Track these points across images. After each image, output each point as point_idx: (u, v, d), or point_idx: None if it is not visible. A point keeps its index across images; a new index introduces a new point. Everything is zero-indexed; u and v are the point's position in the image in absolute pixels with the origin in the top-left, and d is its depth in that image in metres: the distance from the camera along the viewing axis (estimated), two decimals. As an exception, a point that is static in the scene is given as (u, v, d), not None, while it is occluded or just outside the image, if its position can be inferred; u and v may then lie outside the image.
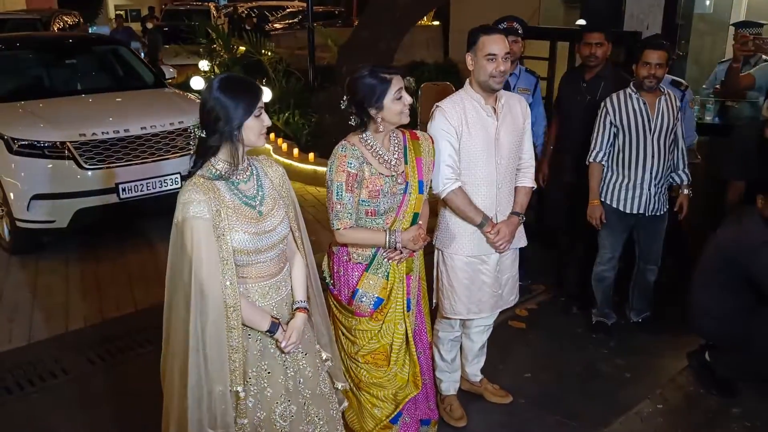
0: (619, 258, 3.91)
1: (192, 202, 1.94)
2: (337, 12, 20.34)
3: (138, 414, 3.13)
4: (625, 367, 3.66)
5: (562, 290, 4.47)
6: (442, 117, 2.83)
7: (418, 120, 5.43)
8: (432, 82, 6.87)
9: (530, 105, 3.41)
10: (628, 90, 3.65)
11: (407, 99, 2.47)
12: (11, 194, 4.94)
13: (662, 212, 3.76)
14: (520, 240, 3.09)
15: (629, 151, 3.66)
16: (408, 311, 2.67)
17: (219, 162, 2.02)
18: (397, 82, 2.44)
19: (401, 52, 8.17)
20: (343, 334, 2.66)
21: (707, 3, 6.83)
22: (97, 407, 3.30)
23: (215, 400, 1.99)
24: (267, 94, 2.15)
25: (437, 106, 2.88)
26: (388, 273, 2.61)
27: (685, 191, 3.78)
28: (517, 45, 3.90)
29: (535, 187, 3.11)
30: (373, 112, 2.46)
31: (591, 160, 3.77)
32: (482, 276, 2.98)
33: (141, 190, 5.12)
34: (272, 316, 2.13)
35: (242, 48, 10.42)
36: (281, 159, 7.24)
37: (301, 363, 2.24)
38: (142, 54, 12.58)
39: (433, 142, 2.72)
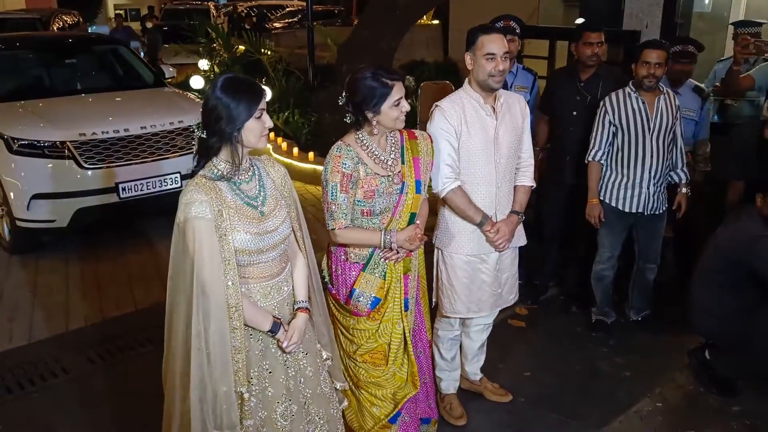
0: (618, 257, 3.91)
1: (194, 203, 1.94)
2: (336, 11, 20.32)
3: (138, 413, 3.13)
4: (625, 366, 3.66)
5: (562, 289, 4.48)
6: (442, 116, 2.83)
7: (417, 119, 5.43)
8: (432, 81, 6.87)
9: (528, 103, 3.40)
10: (627, 89, 3.66)
11: (405, 107, 2.47)
12: (11, 194, 4.94)
13: (661, 211, 3.77)
14: (520, 239, 3.09)
15: (628, 150, 3.66)
16: (406, 311, 2.67)
17: (221, 162, 2.02)
18: (398, 90, 2.44)
19: (401, 51, 8.17)
20: (342, 333, 2.67)
21: (706, 2, 6.84)
22: (98, 406, 3.31)
23: (220, 400, 1.99)
24: (268, 95, 2.15)
25: (436, 105, 2.89)
26: (385, 273, 2.61)
27: (684, 190, 3.79)
28: (514, 44, 3.89)
29: (535, 185, 3.11)
30: (369, 114, 2.46)
31: (590, 159, 3.77)
32: (482, 275, 2.98)
33: (141, 190, 5.13)
34: (274, 316, 2.14)
35: (242, 47, 10.42)
36: (281, 158, 7.24)
37: (301, 363, 2.25)
38: (142, 53, 12.58)
39: (431, 142, 2.72)
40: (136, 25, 19.83)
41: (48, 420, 3.22)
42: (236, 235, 2.00)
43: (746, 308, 3.22)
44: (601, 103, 3.72)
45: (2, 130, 5.01)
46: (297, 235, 2.27)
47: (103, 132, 5.04)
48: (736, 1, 7.55)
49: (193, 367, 1.96)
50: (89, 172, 4.95)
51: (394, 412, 2.68)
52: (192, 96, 6.54)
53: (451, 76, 9.04)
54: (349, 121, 2.52)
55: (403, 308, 2.65)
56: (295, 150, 7.50)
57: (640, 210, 3.71)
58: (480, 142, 2.85)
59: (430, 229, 2.89)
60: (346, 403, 2.55)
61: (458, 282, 2.98)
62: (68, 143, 4.91)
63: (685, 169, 3.79)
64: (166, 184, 5.24)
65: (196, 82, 9.16)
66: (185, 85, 9.03)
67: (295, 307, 2.24)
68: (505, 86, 2.99)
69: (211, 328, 1.96)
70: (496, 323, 3.31)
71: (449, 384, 3.25)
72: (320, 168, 6.67)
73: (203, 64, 10.95)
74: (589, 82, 3.99)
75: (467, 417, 3.19)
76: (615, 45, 5.76)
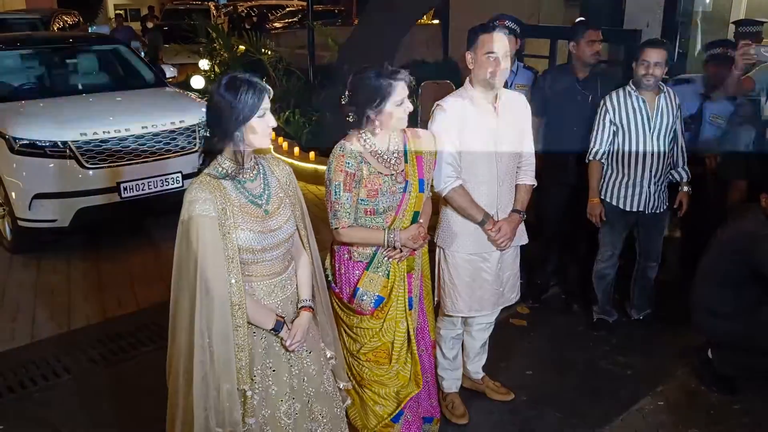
0: (619, 255, 3.92)
1: (198, 201, 1.95)
2: (337, 11, 20.32)
3: (140, 413, 3.14)
4: (627, 365, 3.66)
5: (563, 288, 4.48)
6: (443, 115, 2.84)
7: (418, 119, 5.43)
8: (432, 80, 6.87)
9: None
10: (628, 88, 3.66)
11: (408, 107, 2.47)
12: (13, 194, 4.94)
13: (662, 210, 3.77)
14: (521, 237, 3.09)
15: (629, 149, 3.66)
16: (410, 309, 2.68)
17: (225, 161, 2.03)
18: (401, 90, 2.43)
19: (401, 50, 8.18)
20: (345, 331, 2.67)
21: (707, 1, 6.83)
22: (100, 406, 3.31)
23: (222, 398, 1.99)
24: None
25: (437, 104, 2.89)
26: (389, 271, 2.61)
27: (685, 188, 3.79)
28: (511, 43, 3.88)
29: (536, 184, 3.12)
30: (372, 114, 2.46)
31: (591, 158, 3.77)
32: (483, 274, 2.98)
33: (142, 189, 5.13)
34: (277, 315, 2.14)
35: (242, 47, 10.42)
36: (282, 158, 7.20)
37: (305, 361, 2.25)
38: (143, 53, 12.58)
39: (434, 140, 2.72)
40: (136, 25, 19.83)
41: (50, 419, 3.22)
42: (240, 233, 2.01)
43: (749, 307, 3.23)
44: (602, 102, 3.72)
45: (4, 129, 5.01)
46: (301, 234, 2.27)
47: (104, 132, 5.03)
48: (736, 0, 7.54)
49: (196, 364, 1.96)
50: (91, 172, 4.95)
51: (397, 411, 2.69)
52: (193, 96, 6.55)
53: (452, 75, 9.03)
54: (351, 120, 2.52)
55: (407, 307, 2.65)
56: (296, 150, 7.50)
57: (641, 209, 3.71)
58: (481, 141, 2.85)
59: (432, 228, 2.89)
60: (349, 401, 2.55)
61: (460, 281, 2.98)
62: (70, 143, 4.91)
63: (686, 167, 3.79)
64: (167, 183, 5.24)
65: (197, 81, 9.17)
66: (186, 85, 9.05)
67: (299, 305, 2.24)
68: (505, 85, 3.00)
69: (215, 326, 1.96)
70: (497, 322, 3.32)
71: (451, 383, 3.25)
72: (321, 168, 6.74)
73: (204, 64, 10.96)
74: (587, 81, 3.98)
75: (469, 416, 3.19)
76: (616, 44, 5.77)
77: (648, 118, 3.61)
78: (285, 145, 7.76)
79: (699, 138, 4.21)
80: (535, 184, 3.10)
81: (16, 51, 6.38)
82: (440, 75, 9.23)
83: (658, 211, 3.75)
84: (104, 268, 4.98)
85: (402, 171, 2.57)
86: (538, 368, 3.65)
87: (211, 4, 19.50)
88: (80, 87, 6.25)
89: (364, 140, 2.52)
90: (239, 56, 10.45)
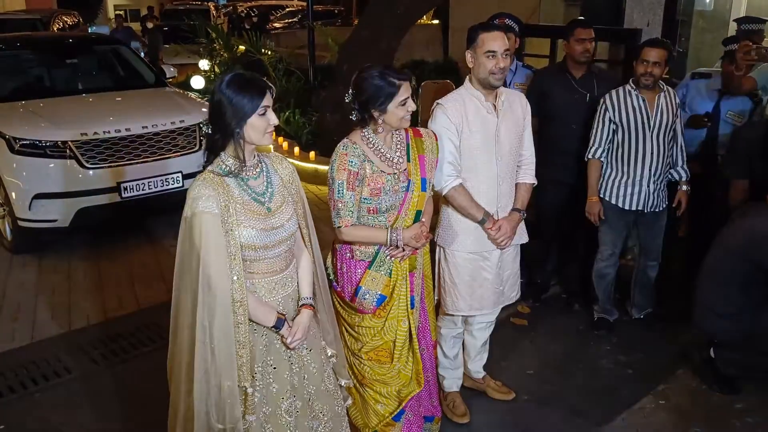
0: (619, 254, 3.91)
1: (201, 197, 1.96)
2: (337, 11, 20.35)
3: (141, 412, 3.14)
4: (628, 364, 3.67)
5: (564, 287, 4.48)
6: (443, 114, 2.84)
7: (418, 119, 5.43)
8: (432, 80, 6.87)
9: None
10: (628, 87, 3.66)
11: (411, 106, 2.47)
12: (13, 194, 4.94)
13: (661, 208, 3.77)
14: (522, 236, 3.10)
15: (628, 147, 3.67)
16: (411, 308, 2.68)
17: (228, 158, 2.04)
18: (405, 90, 2.44)
19: (401, 50, 8.18)
20: (347, 330, 2.67)
21: (707, 0, 6.83)
22: (100, 406, 3.31)
23: (224, 395, 2.00)
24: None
25: (437, 103, 2.89)
26: (391, 270, 2.61)
27: (684, 187, 3.79)
28: (510, 41, 3.88)
29: (536, 183, 3.11)
30: (375, 113, 2.46)
31: (590, 156, 3.77)
32: (484, 272, 2.98)
33: (143, 189, 5.13)
34: (278, 312, 2.14)
35: (242, 47, 10.43)
36: (282, 158, 7.23)
37: (305, 359, 2.25)
38: (142, 54, 12.58)
39: (437, 140, 2.73)
40: (136, 26, 19.83)
41: (51, 419, 3.22)
42: (242, 231, 2.01)
43: (752, 306, 3.22)
44: (602, 101, 3.72)
45: (4, 130, 5.01)
46: (303, 232, 2.28)
47: (104, 132, 5.04)
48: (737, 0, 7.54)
49: (198, 360, 1.97)
50: (91, 172, 4.95)
51: (398, 410, 2.68)
52: (193, 96, 6.55)
53: (452, 75, 9.04)
54: (354, 119, 2.52)
55: (408, 306, 2.65)
56: (296, 150, 7.51)
57: (640, 208, 3.71)
58: (481, 140, 2.86)
59: (433, 227, 2.89)
60: (350, 400, 2.55)
61: (460, 279, 2.98)
62: (70, 143, 4.91)
63: (685, 166, 3.79)
64: (167, 183, 5.24)
65: (197, 82, 9.18)
66: (186, 85, 9.06)
67: (300, 303, 2.25)
68: (504, 84, 3.00)
69: (216, 323, 1.97)
70: (498, 321, 3.32)
71: (452, 382, 3.25)
72: (321, 168, 6.75)
73: (203, 64, 10.98)
74: (584, 80, 3.97)
75: (470, 415, 3.19)
76: (616, 43, 5.77)
77: (648, 117, 3.61)
78: (285, 145, 7.77)
79: (712, 135, 4.18)
80: (536, 182, 3.10)
81: (16, 51, 6.38)
82: (440, 75, 9.26)
83: (657, 210, 3.75)
84: (105, 268, 4.98)
85: (405, 170, 2.58)
86: (539, 367, 3.65)
87: (211, 5, 19.55)
88: (80, 87, 6.25)
89: (368, 139, 2.53)
90: (239, 57, 10.46)
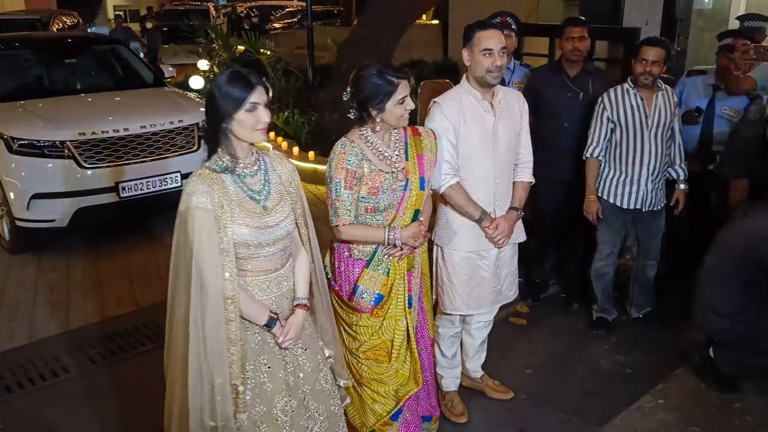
0: (618, 254, 3.91)
1: (195, 193, 1.97)
2: (336, 11, 20.36)
3: (140, 412, 3.13)
4: (626, 363, 3.66)
5: (563, 287, 4.48)
6: (440, 113, 2.83)
7: (417, 118, 5.43)
8: (431, 80, 6.86)
9: None
10: (626, 85, 3.66)
11: (409, 105, 2.47)
12: (11, 194, 4.94)
13: (659, 207, 3.77)
14: (519, 235, 3.09)
15: (626, 146, 3.66)
16: (409, 308, 2.67)
17: (225, 155, 2.04)
18: (403, 88, 2.43)
19: (400, 50, 8.18)
20: (345, 329, 2.66)
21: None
22: (98, 405, 3.30)
23: (215, 391, 2.00)
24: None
25: (434, 101, 2.89)
26: (389, 269, 2.61)
27: (682, 186, 3.78)
28: (511, 39, 3.86)
29: (534, 182, 3.11)
30: (373, 112, 2.46)
31: (588, 155, 3.77)
32: (481, 271, 2.98)
33: (141, 189, 5.13)
34: (271, 311, 2.13)
35: (241, 47, 10.43)
36: (281, 158, 7.23)
37: (300, 359, 2.24)
38: (142, 54, 12.58)
39: (435, 139, 2.72)
40: (135, 26, 19.84)
41: (48, 419, 3.21)
42: (236, 228, 2.01)
43: (752, 306, 3.21)
44: (599, 99, 3.72)
45: (2, 129, 5.00)
46: (302, 232, 2.27)
47: (102, 131, 5.04)
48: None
49: (191, 356, 1.97)
50: (89, 172, 4.95)
51: (396, 409, 2.68)
52: (192, 96, 6.54)
53: (451, 75, 9.04)
54: (352, 117, 2.52)
55: (406, 305, 2.65)
56: (295, 149, 7.50)
57: (638, 206, 3.71)
58: (478, 139, 2.85)
59: (431, 226, 2.88)
60: (348, 400, 2.55)
61: (458, 279, 2.97)
62: (68, 143, 4.91)
63: (683, 165, 3.78)
64: (166, 183, 5.24)
65: (196, 82, 9.17)
66: (185, 85, 9.04)
67: (294, 303, 2.24)
68: (502, 82, 2.99)
69: (207, 319, 1.97)
70: (497, 321, 3.31)
71: (450, 381, 3.24)
72: (320, 167, 6.75)
73: (202, 64, 10.97)
74: (578, 78, 3.96)
75: (468, 414, 3.18)
76: (615, 42, 5.77)
77: (646, 116, 3.61)
78: (284, 144, 7.76)
79: (707, 131, 4.17)
80: (533, 181, 3.10)
81: (15, 51, 6.38)
82: (440, 75, 9.26)
83: (655, 209, 3.74)
84: (103, 268, 4.98)
85: (403, 169, 2.57)
86: (538, 367, 3.64)
87: (210, 5, 19.54)
88: (79, 87, 6.24)
89: (366, 138, 2.52)
90: (238, 57, 10.46)
